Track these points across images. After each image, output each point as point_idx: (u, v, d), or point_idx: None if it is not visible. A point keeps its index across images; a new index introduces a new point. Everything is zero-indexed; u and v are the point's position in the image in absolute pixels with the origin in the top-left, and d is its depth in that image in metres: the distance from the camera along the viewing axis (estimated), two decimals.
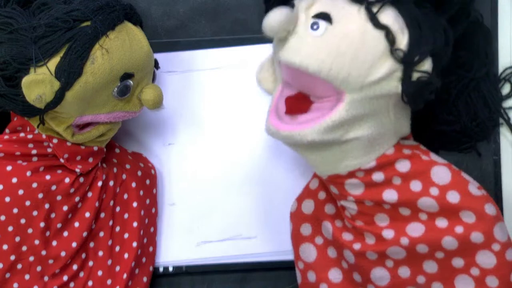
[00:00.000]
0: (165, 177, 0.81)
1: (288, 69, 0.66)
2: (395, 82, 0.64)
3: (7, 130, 0.72)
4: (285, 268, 0.80)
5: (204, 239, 0.80)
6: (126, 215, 0.75)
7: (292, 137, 0.65)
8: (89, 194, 0.73)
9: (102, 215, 0.74)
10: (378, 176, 0.68)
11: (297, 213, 0.76)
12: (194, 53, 0.81)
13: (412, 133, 0.72)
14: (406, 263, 0.69)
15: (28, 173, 0.69)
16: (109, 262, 0.74)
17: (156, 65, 0.74)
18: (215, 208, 0.80)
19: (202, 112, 0.81)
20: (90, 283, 0.74)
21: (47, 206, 0.70)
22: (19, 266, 0.71)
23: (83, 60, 0.63)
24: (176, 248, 0.80)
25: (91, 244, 0.74)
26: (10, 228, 0.69)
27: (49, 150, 0.70)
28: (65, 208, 0.71)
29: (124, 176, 0.76)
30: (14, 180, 0.69)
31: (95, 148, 0.72)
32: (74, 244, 0.72)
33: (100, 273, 0.74)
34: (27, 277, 0.71)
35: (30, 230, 0.70)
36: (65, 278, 0.73)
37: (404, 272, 0.69)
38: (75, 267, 0.73)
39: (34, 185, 0.69)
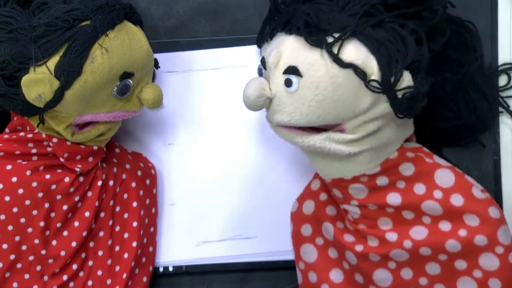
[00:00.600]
0: (165, 177, 0.81)
1: (283, 126, 0.67)
2: (384, 104, 0.64)
3: (7, 130, 0.72)
4: (285, 268, 0.80)
5: (204, 239, 0.80)
6: (126, 215, 0.75)
7: (293, 138, 0.65)
8: (89, 194, 0.73)
9: (102, 214, 0.74)
10: (382, 180, 0.68)
11: (298, 213, 0.76)
12: (194, 53, 0.81)
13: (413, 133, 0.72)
14: (408, 265, 0.69)
15: (28, 172, 0.69)
16: (109, 262, 0.74)
17: (156, 64, 0.74)
18: (215, 208, 0.80)
19: (202, 112, 0.81)
20: (89, 282, 0.74)
21: (47, 205, 0.70)
22: (19, 265, 0.71)
23: (83, 59, 0.63)
24: (176, 248, 0.80)
25: (91, 244, 0.74)
26: (10, 228, 0.69)
27: (49, 149, 0.70)
28: (65, 207, 0.71)
29: (124, 176, 0.76)
30: (14, 179, 0.69)
31: (95, 148, 0.72)
32: (73, 244, 0.72)
33: (99, 272, 0.74)
34: (26, 276, 0.71)
35: (30, 230, 0.70)
36: (64, 277, 0.72)
37: (407, 273, 0.69)
38: (74, 266, 0.73)
39: (34, 184, 0.69)
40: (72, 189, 0.71)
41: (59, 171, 0.71)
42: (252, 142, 0.80)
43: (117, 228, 0.75)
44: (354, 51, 0.62)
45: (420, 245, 0.67)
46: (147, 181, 0.77)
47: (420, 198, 0.68)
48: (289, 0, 0.68)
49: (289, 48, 0.64)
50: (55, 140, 0.70)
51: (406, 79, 0.63)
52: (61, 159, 0.70)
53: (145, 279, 0.77)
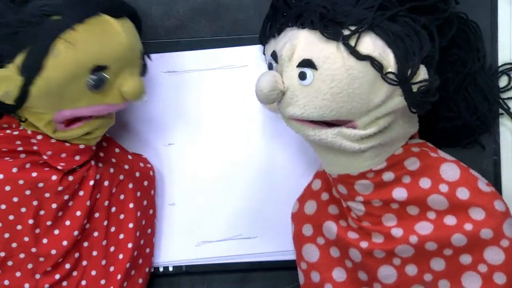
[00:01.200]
0: (165, 177, 0.81)
1: (295, 119, 0.67)
2: (398, 97, 0.64)
3: None
4: (285, 268, 0.80)
5: (204, 239, 0.80)
6: (122, 216, 0.75)
7: (305, 131, 0.66)
8: (81, 193, 0.72)
9: (97, 215, 0.74)
10: (388, 176, 0.68)
11: (299, 213, 0.76)
12: (194, 53, 0.81)
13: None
14: (413, 261, 0.69)
15: (14, 170, 0.69)
16: (103, 262, 0.74)
17: (147, 57, 0.73)
18: (215, 208, 0.80)
19: (202, 112, 0.81)
20: (83, 282, 0.74)
21: (35, 203, 0.70)
22: (10, 263, 0.71)
23: (44, 54, 0.62)
24: (176, 248, 0.80)
25: (85, 244, 0.74)
26: None
27: (36, 147, 0.70)
28: (54, 205, 0.71)
29: (121, 177, 0.75)
30: (0, 176, 0.69)
31: (81, 146, 0.71)
32: (65, 243, 0.72)
33: (94, 273, 0.74)
34: (18, 274, 0.72)
35: (19, 227, 0.71)
36: (57, 276, 0.72)
37: (411, 270, 0.70)
38: (67, 266, 0.73)
39: (21, 182, 0.70)
40: (60, 188, 0.71)
41: (46, 169, 0.71)
42: (252, 142, 0.80)
43: (113, 229, 0.75)
44: (371, 44, 0.62)
45: (426, 240, 0.68)
46: (145, 183, 0.77)
47: (426, 192, 0.68)
48: None
49: (303, 41, 0.64)
50: (39, 137, 0.70)
51: (422, 72, 0.63)
52: (44, 157, 0.70)
53: (140, 280, 0.77)
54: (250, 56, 0.80)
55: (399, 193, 0.69)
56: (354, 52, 0.62)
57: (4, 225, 0.70)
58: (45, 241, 0.72)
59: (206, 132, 0.81)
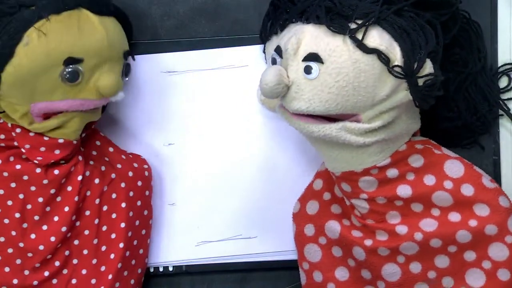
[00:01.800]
0: (165, 177, 0.81)
1: (299, 114, 0.66)
2: (403, 92, 0.65)
3: None
4: (285, 268, 0.80)
5: (204, 239, 0.80)
6: (114, 215, 0.74)
7: (308, 127, 0.66)
8: (69, 188, 0.72)
9: (87, 212, 0.74)
10: (392, 172, 0.69)
11: (300, 213, 0.76)
12: (194, 53, 0.81)
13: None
14: (417, 259, 0.70)
15: None
16: (94, 261, 0.74)
17: (129, 56, 0.73)
18: (215, 208, 0.80)
19: (202, 112, 0.81)
20: (74, 281, 0.73)
21: (21, 196, 0.71)
22: None
23: (14, 41, 0.63)
24: (176, 248, 0.80)
25: (76, 242, 0.74)
26: None
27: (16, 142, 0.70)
28: (40, 199, 0.71)
29: (113, 176, 0.75)
30: None
31: (60, 141, 0.70)
32: (52, 239, 0.71)
33: (84, 271, 0.74)
34: (7, 269, 0.72)
35: (6, 221, 0.71)
36: (46, 273, 0.72)
37: (415, 267, 0.70)
38: (57, 263, 0.73)
39: (5, 174, 0.70)
40: (45, 181, 0.71)
41: (30, 162, 0.71)
42: (252, 142, 0.80)
43: (104, 228, 0.74)
44: (378, 37, 0.63)
45: (431, 236, 0.68)
46: (139, 183, 0.76)
47: (430, 189, 0.68)
48: None
49: (308, 35, 0.64)
50: (18, 130, 0.70)
51: (428, 66, 0.64)
52: (23, 150, 0.70)
53: (132, 281, 0.76)
54: (250, 56, 0.80)
55: (404, 190, 0.69)
56: (361, 45, 0.62)
57: None
58: (33, 236, 0.71)
59: (206, 132, 0.81)
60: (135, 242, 0.76)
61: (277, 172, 0.80)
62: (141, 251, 0.77)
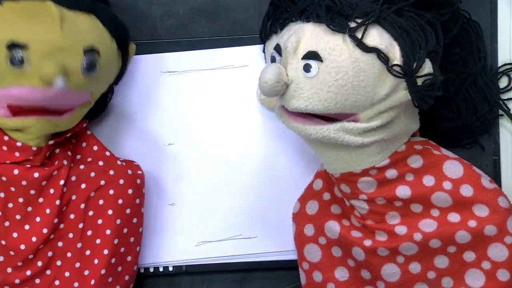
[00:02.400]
0: (165, 177, 0.81)
1: (297, 115, 0.66)
2: (402, 91, 0.65)
3: None
4: (285, 268, 0.80)
5: (204, 239, 0.80)
6: (99, 221, 0.74)
7: (306, 130, 0.66)
8: (51, 191, 0.72)
9: (72, 216, 0.73)
10: (391, 173, 0.69)
11: (300, 214, 0.76)
12: (194, 53, 0.81)
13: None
14: (417, 259, 0.70)
15: None
16: (78, 265, 0.74)
17: (94, 53, 0.70)
18: (215, 208, 0.80)
19: (202, 112, 0.81)
20: (56, 282, 0.73)
21: (2, 195, 0.71)
22: None
23: None
24: (176, 248, 0.80)
25: (60, 244, 0.73)
26: None
27: None
28: (20, 200, 0.71)
29: (102, 182, 0.74)
30: None
31: (18, 144, 0.70)
32: (34, 239, 0.71)
33: (67, 274, 0.73)
34: None
35: None
36: (28, 273, 0.72)
37: (415, 267, 0.70)
38: (39, 263, 0.72)
39: None
40: (24, 182, 0.71)
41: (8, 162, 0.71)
42: (252, 142, 0.80)
43: (89, 233, 0.74)
44: (378, 36, 0.63)
45: (430, 237, 0.68)
46: (130, 191, 0.75)
47: (429, 190, 0.68)
48: None
49: (308, 33, 0.64)
50: None
51: (427, 66, 0.64)
52: None
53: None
54: (250, 56, 0.80)
55: (403, 191, 0.69)
56: (360, 44, 0.62)
57: None
58: (15, 235, 0.71)
59: (206, 132, 0.81)
60: (122, 249, 0.75)
61: (277, 172, 0.80)
62: (129, 258, 0.76)
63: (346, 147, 0.67)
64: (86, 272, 0.73)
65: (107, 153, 0.77)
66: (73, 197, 0.74)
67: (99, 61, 0.70)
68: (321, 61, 0.63)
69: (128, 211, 0.75)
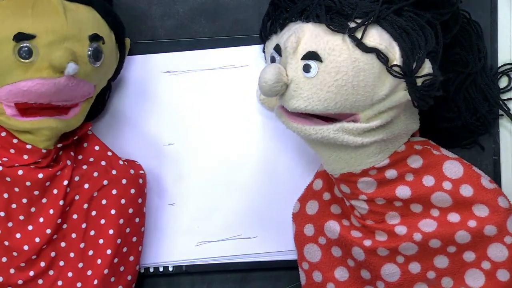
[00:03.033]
0: (165, 177, 0.81)
1: (297, 115, 0.66)
2: (402, 91, 0.65)
3: None
4: (285, 268, 0.80)
5: (204, 239, 0.80)
6: (102, 221, 0.74)
7: (305, 130, 0.66)
8: (55, 191, 0.72)
9: (75, 216, 0.74)
10: (391, 173, 0.69)
11: (300, 214, 0.76)
12: (194, 53, 0.81)
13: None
14: (416, 259, 0.70)
15: None
16: (80, 265, 0.74)
17: (100, 40, 0.70)
18: (215, 208, 0.80)
19: (202, 112, 0.81)
20: (59, 282, 0.73)
21: (6, 195, 0.71)
22: None
23: None
24: (176, 248, 0.80)
25: (62, 244, 0.74)
26: None
27: None
28: (24, 200, 0.71)
29: (105, 182, 0.74)
30: None
31: (28, 146, 0.70)
32: (37, 240, 0.71)
33: (70, 274, 0.74)
34: None
35: None
36: (31, 273, 0.72)
37: (415, 267, 0.70)
38: (42, 264, 0.73)
39: None
40: (28, 183, 0.71)
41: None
42: (252, 142, 0.80)
43: (92, 232, 0.74)
44: (378, 36, 0.63)
45: (430, 237, 0.68)
46: (132, 190, 0.76)
47: (429, 190, 0.69)
48: None
49: (308, 34, 0.64)
50: None
51: (427, 66, 0.64)
52: None
53: (120, 287, 0.76)
54: (250, 56, 0.80)
55: (403, 191, 0.69)
56: (360, 44, 0.62)
57: None
58: (18, 235, 0.72)
59: (206, 132, 0.81)
60: (124, 249, 0.75)
61: (277, 172, 0.80)
62: (131, 258, 0.76)
63: (345, 148, 0.67)
64: (89, 272, 0.74)
65: (109, 153, 0.77)
66: (76, 197, 0.74)
67: (104, 50, 0.70)
68: (321, 61, 0.63)
69: (130, 210, 0.75)
